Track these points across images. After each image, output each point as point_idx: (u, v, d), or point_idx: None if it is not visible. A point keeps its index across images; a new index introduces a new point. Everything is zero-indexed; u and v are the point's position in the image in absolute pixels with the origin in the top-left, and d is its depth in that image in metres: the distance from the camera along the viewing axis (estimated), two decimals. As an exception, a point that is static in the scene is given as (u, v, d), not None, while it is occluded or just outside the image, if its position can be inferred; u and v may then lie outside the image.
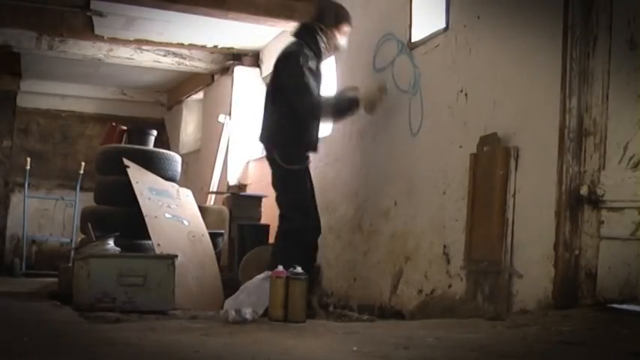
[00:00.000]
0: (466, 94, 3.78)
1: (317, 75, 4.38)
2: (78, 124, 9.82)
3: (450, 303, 3.67)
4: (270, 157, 4.47)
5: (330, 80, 5.19)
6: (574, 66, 3.08)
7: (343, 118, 4.66)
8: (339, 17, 4.51)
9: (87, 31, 6.54)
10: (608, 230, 2.94)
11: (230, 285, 4.59)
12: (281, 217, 4.46)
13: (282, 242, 4.38)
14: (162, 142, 8.70)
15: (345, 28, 4.53)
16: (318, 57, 4.43)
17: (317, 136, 4.49)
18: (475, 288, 3.50)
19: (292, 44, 4.46)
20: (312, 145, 4.49)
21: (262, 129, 4.53)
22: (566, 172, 3.06)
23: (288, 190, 4.42)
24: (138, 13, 6.09)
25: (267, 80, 4.59)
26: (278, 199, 4.51)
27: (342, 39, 4.52)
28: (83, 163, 8.32)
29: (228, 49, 7.24)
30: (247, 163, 7.39)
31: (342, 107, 4.49)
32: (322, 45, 4.43)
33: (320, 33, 4.42)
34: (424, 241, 4.04)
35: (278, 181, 4.47)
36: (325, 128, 4.91)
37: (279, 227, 4.46)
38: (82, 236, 6.02)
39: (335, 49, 4.53)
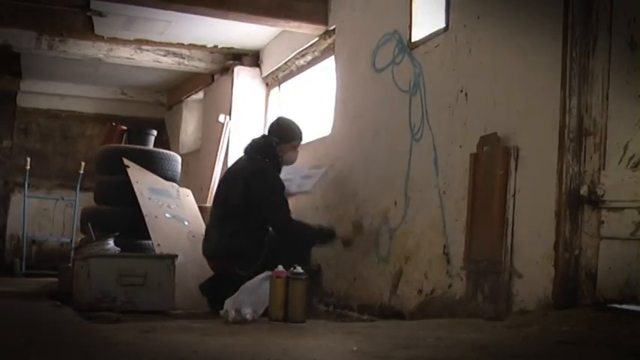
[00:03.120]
0: (466, 94, 3.78)
1: (284, 191, 4.53)
2: (78, 124, 9.80)
3: (450, 303, 3.67)
4: (231, 277, 4.16)
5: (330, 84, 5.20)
6: (574, 66, 3.07)
7: (312, 244, 4.62)
8: (295, 134, 4.74)
9: (87, 31, 6.54)
10: (608, 230, 2.94)
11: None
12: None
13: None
14: (163, 142, 8.70)
15: (298, 145, 4.75)
16: (277, 172, 4.62)
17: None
18: (475, 288, 3.50)
19: (256, 161, 4.56)
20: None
21: (214, 244, 4.46)
22: (566, 172, 3.05)
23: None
24: (138, 13, 6.09)
25: (221, 196, 4.64)
26: None
27: (294, 154, 4.72)
28: (83, 163, 8.31)
29: (228, 49, 7.23)
30: (247, 163, 7.38)
31: (315, 234, 4.55)
32: (280, 160, 4.62)
33: (277, 148, 4.60)
34: (424, 241, 4.04)
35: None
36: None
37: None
38: (82, 236, 6.03)
39: (287, 163, 4.72)
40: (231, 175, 4.73)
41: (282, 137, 4.65)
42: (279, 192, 4.45)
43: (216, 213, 4.62)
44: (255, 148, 4.65)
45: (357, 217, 4.69)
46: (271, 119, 5.63)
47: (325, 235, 4.57)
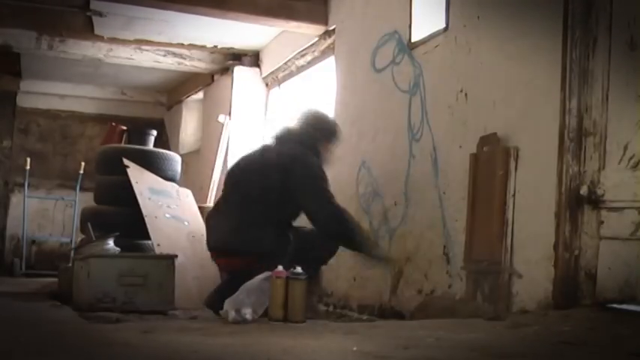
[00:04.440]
0: (466, 94, 3.78)
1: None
2: (78, 124, 9.80)
3: (450, 303, 3.67)
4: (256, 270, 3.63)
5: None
6: (574, 66, 3.07)
7: (352, 249, 4.06)
8: (337, 136, 4.27)
9: (87, 31, 6.53)
10: (608, 230, 2.94)
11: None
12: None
13: None
14: (163, 142, 8.70)
15: (335, 147, 4.26)
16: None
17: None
18: (475, 288, 3.50)
19: (296, 148, 4.03)
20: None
21: (229, 234, 3.92)
22: (566, 172, 3.06)
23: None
24: (138, 13, 6.09)
25: (252, 180, 4.01)
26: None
27: (331, 155, 4.23)
28: (83, 163, 8.31)
29: (228, 49, 7.23)
30: (247, 163, 7.38)
31: (365, 244, 4.01)
32: (320, 157, 4.13)
33: (319, 145, 4.14)
34: (424, 241, 4.04)
35: None
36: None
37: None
38: (82, 236, 6.03)
39: (325, 162, 4.17)
40: (254, 161, 4.12)
41: (325, 135, 4.18)
42: (327, 181, 3.96)
43: (230, 202, 4.05)
44: (295, 138, 4.09)
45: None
46: (276, 119, 5.49)
47: (377, 252, 4.08)
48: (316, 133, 4.14)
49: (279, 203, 3.91)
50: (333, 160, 4.27)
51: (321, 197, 3.92)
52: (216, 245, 4.05)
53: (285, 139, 4.14)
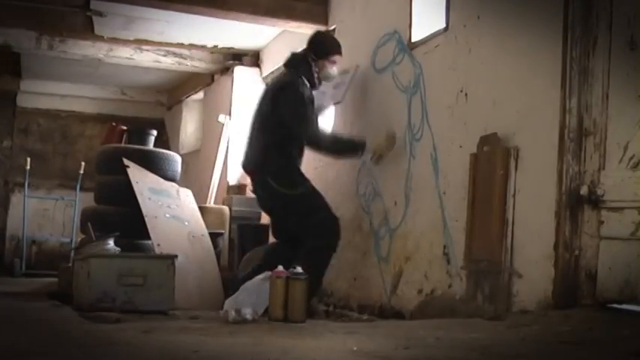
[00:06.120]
0: (466, 94, 3.78)
1: (313, 105, 4.50)
2: (78, 124, 9.80)
3: (450, 303, 3.67)
4: (263, 183, 4.49)
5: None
6: (574, 66, 3.07)
7: (342, 156, 4.74)
8: (330, 48, 4.66)
9: (87, 31, 6.53)
10: (608, 230, 2.94)
11: (230, 285, 4.58)
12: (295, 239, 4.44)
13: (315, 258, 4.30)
14: (163, 142, 8.69)
15: (335, 58, 4.65)
16: (312, 87, 4.54)
17: (300, 165, 4.57)
18: (475, 288, 3.50)
19: (287, 74, 4.57)
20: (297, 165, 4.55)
21: (249, 155, 4.60)
22: (566, 172, 3.05)
23: (301, 214, 4.42)
24: (138, 13, 6.09)
25: (257, 108, 4.63)
26: (287, 225, 4.53)
27: (332, 69, 4.64)
28: (83, 163, 8.31)
29: (228, 49, 7.23)
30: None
31: (345, 146, 4.57)
32: (315, 75, 4.53)
33: (313, 64, 4.53)
34: (424, 241, 4.04)
35: (282, 209, 4.50)
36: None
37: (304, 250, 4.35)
38: (82, 236, 6.02)
39: (326, 78, 4.64)
40: (266, 88, 4.75)
41: (317, 53, 4.58)
42: (307, 105, 4.39)
43: (251, 126, 4.64)
44: (292, 62, 4.60)
45: (391, 129, 4.45)
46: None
47: (356, 146, 4.50)
48: (310, 53, 4.57)
49: (277, 127, 4.41)
50: (333, 74, 4.63)
51: (301, 122, 4.38)
52: (242, 164, 4.79)
53: (287, 65, 4.64)
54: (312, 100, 4.46)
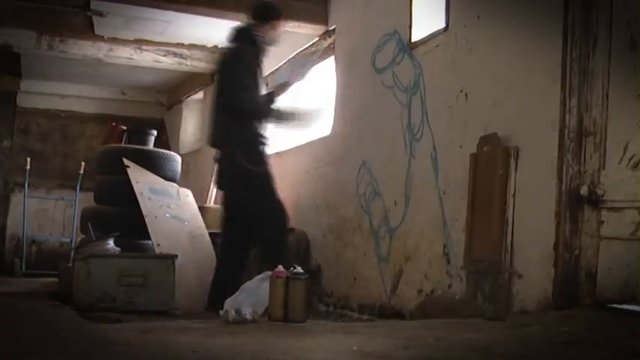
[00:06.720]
0: (466, 94, 3.78)
1: (257, 73, 4.65)
2: (78, 124, 9.80)
3: (450, 303, 3.67)
4: (228, 159, 4.59)
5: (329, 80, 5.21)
6: (574, 66, 3.08)
7: (282, 124, 4.87)
8: (270, 13, 4.80)
9: (87, 31, 6.54)
10: (608, 230, 2.94)
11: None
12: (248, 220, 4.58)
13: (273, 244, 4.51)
14: (163, 142, 8.69)
15: (278, 23, 4.81)
16: (259, 52, 4.71)
17: (263, 134, 4.66)
18: (475, 288, 3.50)
19: (232, 48, 4.73)
20: (264, 143, 4.66)
21: (214, 132, 4.72)
22: (566, 172, 3.06)
23: (257, 191, 4.53)
24: (138, 13, 6.09)
25: (214, 88, 4.82)
26: (239, 200, 4.64)
27: (276, 33, 4.79)
28: (83, 163, 8.31)
29: (228, 49, 7.23)
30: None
31: (284, 114, 4.76)
32: (260, 40, 4.69)
33: (255, 30, 4.70)
34: (424, 241, 4.04)
35: (239, 183, 4.57)
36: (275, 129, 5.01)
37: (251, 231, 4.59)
38: (82, 236, 6.03)
39: (272, 42, 4.79)
40: (217, 68, 4.96)
41: (257, 19, 4.74)
42: (246, 72, 4.54)
43: (212, 107, 4.80)
44: (234, 36, 4.74)
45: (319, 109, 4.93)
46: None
47: (286, 114, 4.73)
48: (251, 21, 4.75)
49: (226, 103, 4.57)
50: (277, 37, 4.80)
51: (238, 88, 4.50)
52: (212, 141, 4.83)
53: (229, 40, 4.78)
54: (255, 69, 4.59)
